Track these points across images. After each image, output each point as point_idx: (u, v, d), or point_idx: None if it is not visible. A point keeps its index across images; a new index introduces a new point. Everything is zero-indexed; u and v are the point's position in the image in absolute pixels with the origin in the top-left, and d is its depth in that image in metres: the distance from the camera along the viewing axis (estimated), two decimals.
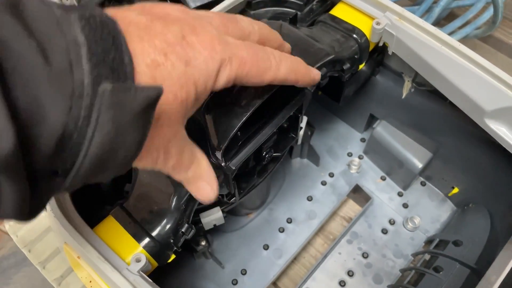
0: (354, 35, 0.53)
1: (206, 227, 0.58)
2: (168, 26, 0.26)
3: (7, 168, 0.18)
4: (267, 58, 0.32)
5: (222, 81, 0.29)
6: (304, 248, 0.75)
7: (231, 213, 0.75)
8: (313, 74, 0.39)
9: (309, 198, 0.79)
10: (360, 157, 0.83)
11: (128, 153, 0.23)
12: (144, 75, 0.24)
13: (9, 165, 0.18)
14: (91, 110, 0.20)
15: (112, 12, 0.24)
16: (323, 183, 0.80)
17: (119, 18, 0.23)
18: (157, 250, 0.42)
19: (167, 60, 0.25)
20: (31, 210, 0.21)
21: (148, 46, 0.24)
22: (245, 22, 0.34)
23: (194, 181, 0.33)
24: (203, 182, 0.33)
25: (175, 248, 0.44)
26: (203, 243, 0.64)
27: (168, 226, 0.42)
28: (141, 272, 0.39)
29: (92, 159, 0.21)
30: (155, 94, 0.22)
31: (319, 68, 0.50)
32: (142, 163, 0.27)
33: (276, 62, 0.33)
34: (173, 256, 0.45)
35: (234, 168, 0.43)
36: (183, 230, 0.43)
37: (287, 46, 0.41)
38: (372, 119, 0.81)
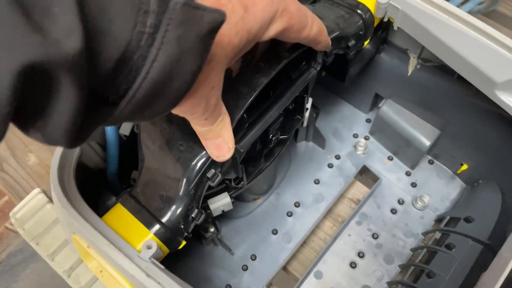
0: (359, 11, 0.52)
1: (215, 213, 0.58)
2: None
3: (73, 68, 0.17)
4: (306, 16, 0.34)
5: (272, 32, 0.30)
6: (313, 231, 0.74)
7: (238, 199, 0.74)
8: (329, 39, 0.41)
9: (316, 181, 0.78)
10: (366, 138, 0.82)
11: (182, 85, 0.23)
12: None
13: (75, 66, 0.17)
14: (157, 28, 0.20)
15: None
16: (330, 166, 0.80)
17: None
18: (168, 237, 0.41)
19: (229, 2, 0.26)
20: (76, 135, 0.20)
21: None
22: None
23: (215, 137, 0.34)
24: (222, 139, 0.34)
25: (185, 234, 0.43)
26: (212, 229, 0.63)
27: (178, 212, 0.41)
28: (153, 259, 0.38)
29: (150, 83, 0.20)
30: (220, 18, 0.22)
31: None
32: (183, 107, 0.27)
33: (311, 21, 0.35)
34: (184, 243, 0.44)
35: (242, 150, 0.43)
36: (193, 215, 0.43)
37: None
38: (377, 99, 0.80)
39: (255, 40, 0.29)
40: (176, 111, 0.28)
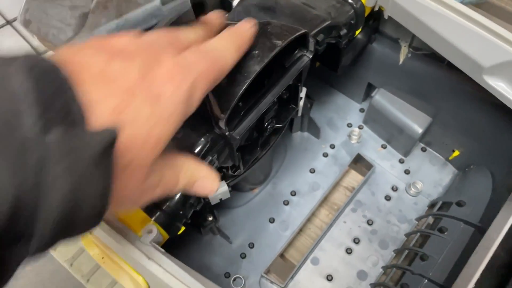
0: (350, 0, 0.53)
1: (213, 202, 0.59)
2: (127, 64, 0.24)
3: None
4: (222, 54, 0.31)
5: (196, 103, 0.28)
6: (309, 219, 0.76)
7: (236, 189, 0.76)
8: (249, 31, 0.37)
9: (312, 170, 0.80)
10: (360, 127, 0.83)
11: (96, 206, 0.21)
12: (106, 122, 0.22)
13: None
14: (42, 164, 0.18)
15: (64, 56, 0.22)
16: (325, 155, 0.81)
17: (70, 63, 0.21)
18: (167, 222, 0.42)
19: (131, 103, 0.23)
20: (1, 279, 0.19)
21: (108, 91, 0.22)
22: (185, 30, 0.33)
23: (191, 185, 0.31)
24: (200, 181, 0.31)
25: (184, 219, 0.44)
26: (210, 218, 0.64)
27: (176, 198, 0.43)
28: (153, 243, 0.39)
29: (54, 219, 0.19)
30: (110, 137, 0.20)
31: (316, 35, 0.50)
32: (122, 207, 0.25)
33: (227, 50, 0.32)
34: (183, 228, 0.45)
35: (238, 137, 0.44)
36: (191, 201, 0.44)
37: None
38: (370, 89, 0.81)
39: (183, 119, 0.26)
40: (117, 211, 0.26)
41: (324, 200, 0.77)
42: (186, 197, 0.44)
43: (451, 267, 0.59)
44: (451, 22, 0.49)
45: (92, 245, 0.45)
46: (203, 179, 0.32)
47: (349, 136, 0.82)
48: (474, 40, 0.48)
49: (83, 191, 0.20)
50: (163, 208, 0.42)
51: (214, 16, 0.37)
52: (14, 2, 0.84)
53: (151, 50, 0.26)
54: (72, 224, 0.20)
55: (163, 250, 0.40)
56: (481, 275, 0.36)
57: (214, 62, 0.30)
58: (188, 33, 0.33)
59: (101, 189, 0.21)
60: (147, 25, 0.33)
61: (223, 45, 0.32)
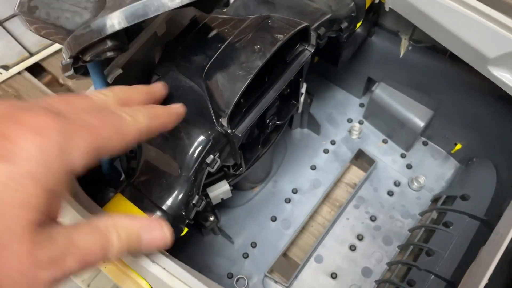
0: None
1: (214, 202, 0.58)
2: None
3: None
4: (127, 122, 0.29)
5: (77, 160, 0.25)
6: (312, 217, 0.75)
7: (236, 188, 0.74)
8: (174, 109, 0.36)
9: (313, 167, 0.79)
10: (360, 122, 0.82)
11: None
12: None
13: None
14: None
15: None
16: (325, 151, 0.80)
17: None
18: (170, 224, 0.41)
19: None
20: None
21: None
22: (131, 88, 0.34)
23: (136, 244, 0.28)
24: (145, 234, 0.28)
25: (187, 220, 0.43)
26: (212, 218, 0.63)
27: (179, 199, 0.41)
28: None
29: None
30: None
31: (317, 28, 0.49)
32: None
33: (130, 117, 0.30)
34: (185, 229, 0.44)
35: (240, 135, 0.43)
36: (194, 202, 0.43)
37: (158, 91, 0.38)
38: (369, 83, 0.80)
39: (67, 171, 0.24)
40: None
41: (326, 197, 0.76)
42: (188, 197, 0.42)
43: (458, 262, 0.58)
44: (455, 13, 0.48)
45: None
46: (148, 230, 0.29)
47: (350, 131, 0.81)
48: (479, 31, 0.47)
49: None
50: (165, 209, 0.41)
51: (160, 87, 0.37)
52: (3, 3, 0.82)
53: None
54: None
55: (166, 252, 0.38)
56: (494, 271, 0.36)
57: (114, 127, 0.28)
58: (130, 91, 0.33)
59: None
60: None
61: (131, 111, 0.30)
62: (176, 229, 0.42)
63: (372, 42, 0.69)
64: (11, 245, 0.21)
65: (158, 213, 0.41)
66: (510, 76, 0.48)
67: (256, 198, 0.76)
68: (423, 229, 0.67)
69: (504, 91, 0.49)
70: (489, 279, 0.35)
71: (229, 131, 0.41)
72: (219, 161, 0.43)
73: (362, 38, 0.68)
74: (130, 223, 0.28)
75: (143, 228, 0.29)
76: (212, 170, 0.43)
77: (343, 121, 0.83)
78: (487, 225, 0.59)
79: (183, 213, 0.42)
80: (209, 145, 0.41)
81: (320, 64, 0.72)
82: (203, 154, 0.41)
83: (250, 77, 0.39)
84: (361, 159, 0.80)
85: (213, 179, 0.56)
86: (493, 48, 0.47)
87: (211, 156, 0.42)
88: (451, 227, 0.62)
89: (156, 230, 0.30)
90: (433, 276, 0.59)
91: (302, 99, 0.65)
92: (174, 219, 0.41)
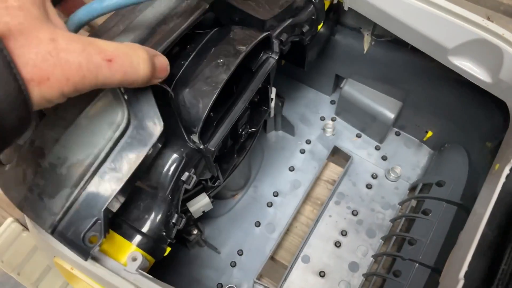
0: None
1: (195, 215, 0.57)
2: None
3: None
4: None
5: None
6: (295, 218, 0.75)
7: (217, 198, 0.74)
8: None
9: (291, 169, 0.79)
10: (333, 119, 0.83)
11: (9, 87, 0.23)
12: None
13: None
14: None
15: None
16: (302, 151, 0.81)
17: None
18: (151, 246, 0.41)
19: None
20: None
21: None
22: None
23: (155, 67, 0.32)
24: (155, 62, 0.32)
25: (169, 240, 0.43)
26: (195, 232, 0.63)
27: (157, 220, 0.41)
28: (139, 270, 0.38)
29: None
30: None
31: (279, 35, 0.49)
32: (54, 80, 0.25)
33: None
34: (168, 249, 0.44)
35: (213, 149, 0.43)
36: (173, 221, 0.42)
37: None
38: (338, 80, 0.81)
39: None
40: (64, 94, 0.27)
41: (307, 196, 0.77)
42: (167, 217, 0.42)
43: (440, 248, 0.59)
44: (412, 8, 0.49)
45: (76, 279, 0.43)
46: (158, 56, 0.33)
47: (324, 129, 0.82)
48: (436, 23, 0.48)
49: None
50: (145, 232, 0.41)
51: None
52: None
53: None
54: None
55: (151, 276, 0.38)
56: (473, 257, 0.37)
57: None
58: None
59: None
60: None
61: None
62: (158, 250, 0.42)
63: (336, 40, 0.70)
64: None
65: (138, 236, 0.41)
66: (470, 64, 0.49)
67: (238, 205, 0.76)
68: (403, 218, 0.69)
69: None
70: (469, 266, 0.36)
71: (201, 146, 0.41)
72: (195, 177, 0.43)
73: (326, 37, 0.69)
74: (147, 48, 0.32)
75: (154, 52, 0.33)
76: (189, 187, 0.43)
77: (316, 120, 0.83)
78: (464, 209, 0.61)
79: (164, 234, 0.42)
80: (183, 163, 0.41)
81: (287, 66, 0.73)
82: (177, 172, 0.41)
83: (217, 91, 0.39)
84: (338, 155, 0.81)
85: (191, 193, 0.55)
86: (451, 39, 0.48)
87: (186, 173, 0.42)
88: (430, 214, 0.64)
89: (161, 56, 0.34)
90: (417, 264, 0.60)
91: (272, 104, 0.65)
92: (154, 241, 0.41)
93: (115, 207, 0.38)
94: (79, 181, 0.35)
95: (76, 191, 0.35)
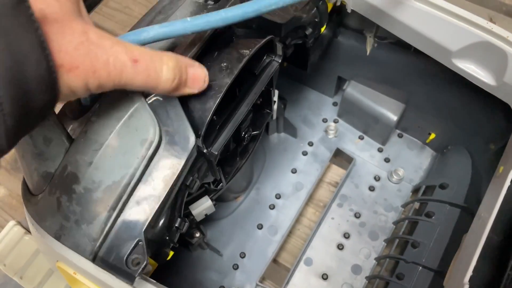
0: None
1: (198, 218, 0.57)
2: None
3: None
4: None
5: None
6: (297, 220, 0.75)
7: (219, 200, 0.74)
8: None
9: (293, 171, 0.79)
10: (335, 121, 0.83)
11: (39, 61, 0.23)
12: None
13: None
14: None
15: None
16: (304, 153, 0.80)
17: None
18: (154, 250, 0.41)
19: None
20: None
21: None
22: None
23: (183, 77, 0.33)
24: (192, 69, 0.34)
25: (172, 244, 0.43)
26: (197, 234, 0.63)
27: (160, 224, 0.41)
28: (142, 274, 0.38)
29: (5, 91, 0.21)
30: None
31: (284, 38, 0.49)
32: (83, 72, 0.26)
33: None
34: (171, 253, 0.44)
35: (216, 153, 0.42)
36: (176, 225, 0.42)
37: None
38: (340, 82, 0.81)
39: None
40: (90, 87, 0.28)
41: (310, 198, 0.77)
42: (170, 221, 0.42)
43: (443, 251, 0.59)
44: (414, 10, 0.49)
45: (78, 283, 0.43)
46: (192, 65, 0.34)
47: (326, 131, 0.82)
48: (440, 26, 0.48)
49: (17, 47, 0.22)
50: (148, 236, 0.40)
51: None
52: None
53: None
54: (25, 96, 0.23)
55: (154, 281, 0.38)
56: (477, 261, 0.36)
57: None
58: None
59: (36, 42, 0.23)
60: None
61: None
62: (161, 254, 0.42)
63: (339, 42, 0.70)
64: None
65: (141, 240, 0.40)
66: (474, 67, 0.49)
67: (241, 207, 0.76)
68: (406, 221, 0.68)
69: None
70: (474, 270, 0.36)
71: (204, 150, 0.41)
72: (198, 181, 0.43)
73: (329, 39, 0.68)
74: (178, 57, 0.33)
75: (188, 62, 0.34)
76: (192, 191, 0.43)
77: (319, 122, 0.83)
78: (467, 212, 0.60)
79: (167, 238, 0.42)
80: (187, 167, 0.41)
81: (290, 67, 0.73)
82: (181, 177, 0.41)
83: (220, 95, 0.39)
84: (340, 157, 0.81)
85: (194, 196, 0.55)
86: (455, 42, 0.48)
87: (190, 178, 0.42)
88: (433, 217, 0.63)
89: (199, 67, 0.35)
90: (420, 267, 0.60)
91: (275, 106, 0.65)
92: (158, 245, 0.41)
93: (155, 226, 0.38)
94: (117, 203, 0.35)
95: (114, 214, 0.35)
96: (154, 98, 0.37)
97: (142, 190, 0.35)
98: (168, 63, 0.32)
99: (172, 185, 0.36)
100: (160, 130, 0.36)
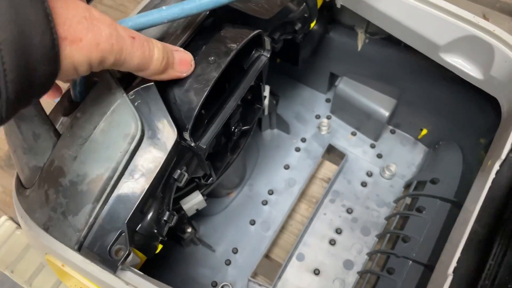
0: None
1: (189, 213, 0.58)
2: None
3: None
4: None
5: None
6: (290, 215, 0.75)
7: (212, 196, 0.74)
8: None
9: (286, 167, 0.79)
10: (328, 118, 0.83)
11: (44, 37, 0.24)
12: None
13: None
14: None
15: None
16: (297, 150, 0.81)
17: None
18: (142, 243, 0.41)
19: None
20: None
21: None
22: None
23: (169, 62, 0.34)
24: (177, 54, 0.35)
25: (160, 237, 0.43)
26: (189, 230, 0.63)
27: (149, 217, 0.41)
28: (129, 266, 0.38)
29: (9, 59, 0.22)
30: None
31: (271, 33, 0.49)
32: (84, 44, 0.27)
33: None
34: (160, 246, 0.44)
35: (204, 147, 0.43)
36: (165, 218, 0.43)
37: None
38: (333, 78, 0.81)
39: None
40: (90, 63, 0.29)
41: (302, 194, 0.77)
42: (158, 214, 0.42)
43: (433, 245, 0.59)
44: (402, 4, 0.49)
45: (67, 276, 0.43)
46: (179, 51, 0.36)
47: (319, 127, 0.82)
48: (427, 20, 0.48)
49: (23, 17, 0.23)
50: (136, 229, 0.41)
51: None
52: None
53: None
54: (30, 65, 0.24)
55: (141, 273, 0.38)
56: (462, 253, 0.37)
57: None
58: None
59: (41, 15, 0.24)
60: None
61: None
62: (150, 248, 0.42)
63: (330, 38, 0.70)
64: None
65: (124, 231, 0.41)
66: (461, 61, 0.50)
67: (233, 203, 0.76)
68: (398, 216, 0.69)
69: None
70: (458, 261, 0.37)
71: (192, 144, 0.41)
72: (186, 174, 0.43)
73: (320, 35, 0.69)
74: (163, 42, 0.35)
75: (173, 47, 0.36)
76: (181, 185, 0.43)
77: (312, 118, 0.84)
78: (458, 206, 0.61)
79: (155, 231, 0.42)
80: (174, 160, 0.41)
81: (282, 64, 0.73)
82: (169, 170, 0.41)
83: (207, 89, 0.39)
84: (333, 153, 0.81)
85: (185, 191, 0.56)
86: (442, 36, 0.48)
87: (178, 171, 0.42)
88: (424, 212, 0.64)
89: (184, 52, 0.37)
90: (411, 262, 0.60)
91: (266, 102, 0.65)
92: (146, 238, 0.41)
93: (138, 217, 0.38)
94: (100, 195, 0.36)
95: (98, 206, 0.36)
96: (135, 93, 0.38)
97: (125, 183, 0.36)
98: (157, 44, 0.34)
99: (154, 178, 0.36)
100: (142, 125, 0.37)
